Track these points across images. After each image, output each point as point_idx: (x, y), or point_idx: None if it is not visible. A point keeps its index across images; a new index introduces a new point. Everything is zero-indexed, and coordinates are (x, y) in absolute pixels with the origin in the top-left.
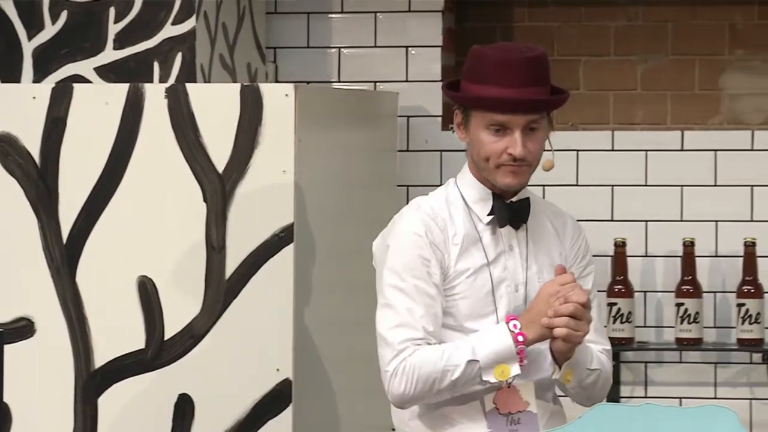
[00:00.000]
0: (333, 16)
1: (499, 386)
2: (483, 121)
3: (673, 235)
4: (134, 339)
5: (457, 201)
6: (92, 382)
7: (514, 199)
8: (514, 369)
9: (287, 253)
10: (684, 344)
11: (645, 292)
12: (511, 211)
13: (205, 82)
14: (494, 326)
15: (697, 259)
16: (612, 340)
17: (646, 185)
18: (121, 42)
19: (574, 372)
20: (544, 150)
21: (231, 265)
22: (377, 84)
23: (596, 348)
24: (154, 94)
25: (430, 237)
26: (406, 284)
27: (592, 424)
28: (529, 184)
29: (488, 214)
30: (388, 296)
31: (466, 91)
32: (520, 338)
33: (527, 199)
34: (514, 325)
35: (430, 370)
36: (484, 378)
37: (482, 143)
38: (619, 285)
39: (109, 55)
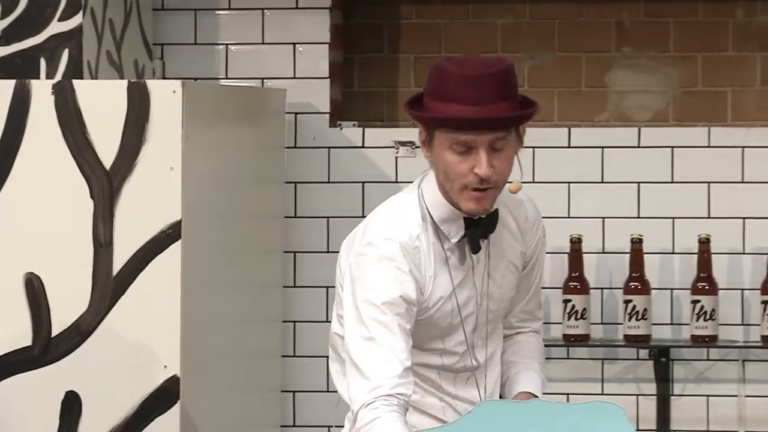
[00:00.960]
0: (220, 12)
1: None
2: (446, 141)
3: (561, 231)
4: (21, 336)
5: (426, 218)
6: None
7: (483, 216)
8: None
9: (175, 249)
10: (571, 340)
11: None
12: (478, 226)
13: (92, 78)
14: None
15: (584, 255)
16: None
17: (533, 182)
18: (7, 38)
19: None
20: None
21: (118, 261)
22: (265, 81)
23: (527, 333)
24: (41, 91)
25: (414, 274)
26: (388, 318)
27: (479, 421)
28: None
29: (460, 239)
30: (371, 329)
31: (427, 109)
32: None
33: (495, 211)
34: None
35: None
36: None
37: (446, 164)
38: None
39: None
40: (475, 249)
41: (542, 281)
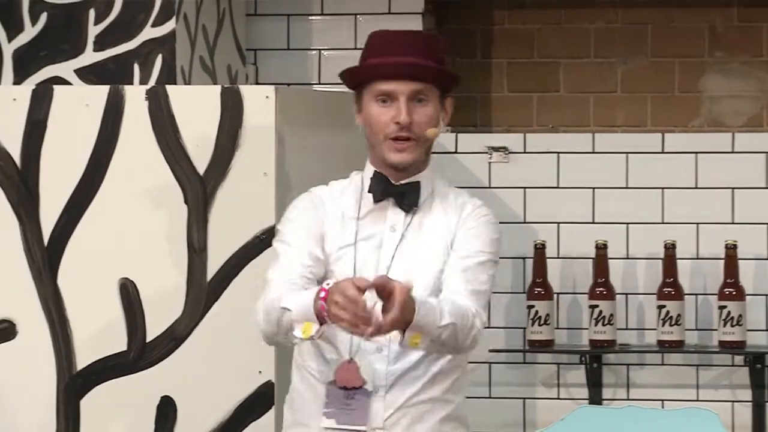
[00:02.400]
0: (313, 17)
1: (341, 361)
2: (371, 94)
3: (655, 237)
4: (116, 341)
5: (353, 184)
6: (74, 383)
7: (403, 182)
8: (315, 327)
9: (268, 255)
10: (666, 346)
11: (627, 294)
12: (395, 191)
13: (185, 84)
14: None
15: (678, 261)
16: (593, 342)
17: (627, 187)
18: (101, 44)
19: (423, 333)
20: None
21: (212, 267)
22: None
23: (457, 303)
24: (135, 96)
25: (316, 200)
26: (289, 229)
27: (575, 426)
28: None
29: (368, 191)
30: (276, 248)
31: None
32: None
33: (417, 183)
34: (324, 296)
35: (270, 306)
36: (294, 332)
37: (371, 116)
38: (601, 287)
39: (89, 56)
40: (377, 197)
41: (483, 271)
